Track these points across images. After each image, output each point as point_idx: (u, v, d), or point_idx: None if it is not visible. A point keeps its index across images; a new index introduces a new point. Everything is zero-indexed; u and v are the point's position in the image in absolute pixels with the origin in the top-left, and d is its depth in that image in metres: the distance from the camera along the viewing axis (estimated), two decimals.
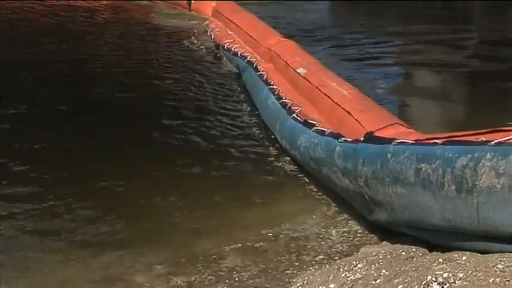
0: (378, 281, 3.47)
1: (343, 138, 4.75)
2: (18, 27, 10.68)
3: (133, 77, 8.14)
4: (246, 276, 4.00)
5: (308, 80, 6.16)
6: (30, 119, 6.64)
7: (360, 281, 3.53)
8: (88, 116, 6.75)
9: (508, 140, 3.37)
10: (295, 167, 5.50)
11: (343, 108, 5.25)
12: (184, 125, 6.56)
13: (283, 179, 5.40)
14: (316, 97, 5.81)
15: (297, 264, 4.12)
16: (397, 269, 3.53)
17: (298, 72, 6.45)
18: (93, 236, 4.52)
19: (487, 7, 11.57)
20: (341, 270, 3.72)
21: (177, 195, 5.07)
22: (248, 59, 7.72)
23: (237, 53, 8.14)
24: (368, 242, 4.31)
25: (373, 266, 3.66)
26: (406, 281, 3.31)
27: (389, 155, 4.00)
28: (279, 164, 5.63)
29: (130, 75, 8.24)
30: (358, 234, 4.44)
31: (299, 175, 5.39)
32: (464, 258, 3.35)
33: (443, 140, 3.76)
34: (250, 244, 4.36)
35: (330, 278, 3.68)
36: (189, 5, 11.31)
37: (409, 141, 4.07)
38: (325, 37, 10.17)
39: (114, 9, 12.00)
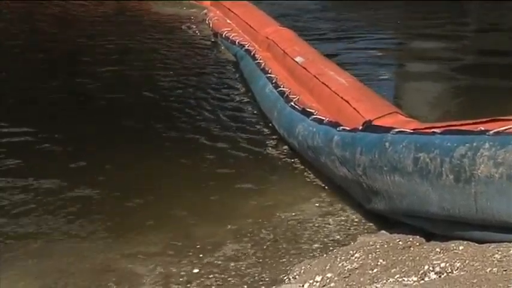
0: (375, 270, 3.47)
1: (341, 127, 4.74)
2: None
3: (130, 64, 8.13)
4: (244, 265, 4.00)
5: (306, 69, 6.14)
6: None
7: (357, 271, 3.53)
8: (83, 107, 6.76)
9: (506, 129, 3.37)
10: (293, 156, 5.49)
11: (341, 97, 5.23)
12: (180, 114, 6.55)
13: (281, 167, 5.39)
14: (314, 86, 5.80)
15: (294, 253, 4.11)
16: (394, 258, 3.53)
17: (296, 61, 6.43)
18: (91, 223, 4.51)
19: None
20: (338, 259, 3.71)
21: (174, 183, 5.07)
22: (246, 47, 7.70)
23: (235, 42, 8.12)
24: (365, 231, 4.31)
25: (370, 255, 3.66)
26: (403, 270, 3.31)
27: (387, 144, 3.99)
28: (277, 153, 5.63)
29: (127, 61, 8.23)
30: (355, 223, 4.44)
31: (297, 163, 5.38)
32: (461, 248, 3.35)
33: (442, 129, 3.75)
34: (247, 233, 4.36)
35: (327, 267, 3.68)
36: None
37: (408, 130, 4.06)
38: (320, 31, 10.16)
39: None
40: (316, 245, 4.19)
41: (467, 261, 3.16)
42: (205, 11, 10.34)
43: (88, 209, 4.70)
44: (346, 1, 12.02)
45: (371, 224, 4.37)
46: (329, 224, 4.44)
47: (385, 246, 3.76)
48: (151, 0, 11.59)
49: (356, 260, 3.66)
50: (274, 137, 5.92)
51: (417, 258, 3.41)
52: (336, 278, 3.56)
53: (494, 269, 3.02)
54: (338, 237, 4.28)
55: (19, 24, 10.33)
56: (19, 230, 4.43)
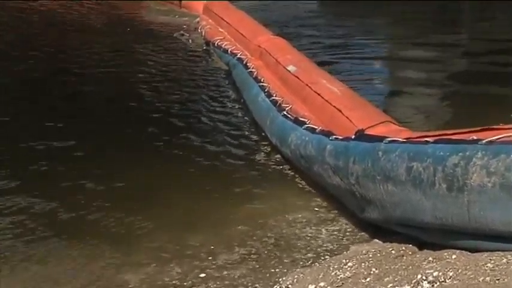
0: (368, 279, 3.47)
1: (334, 136, 4.74)
2: None
3: (123, 72, 8.13)
4: (237, 274, 3.99)
5: (298, 78, 6.15)
6: None
7: (350, 280, 3.53)
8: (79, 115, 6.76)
9: (499, 138, 3.38)
10: (286, 165, 5.49)
11: (334, 106, 5.23)
12: (172, 122, 6.54)
13: (274, 176, 5.38)
14: (307, 95, 5.80)
15: (286, 262, 4.11)
16: (387, 267, 3.53)
17: (288, 70, 6.44)
18: (81, 230, 4.50)
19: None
20: (331, 268, 3.71)
21: (166, 191, 5.06)
22: (238, 56, 7.70)
23: (227, 50, 8.13)
24: (358, 240, 4.31)
25: (363, 264, 3.66)
26: (396, 279, 3.31)
27: (380, 153, 4.00)
28: (270, 162, 5.62)
29: (121, 70, 8.24)
30: (348, 233, 4.43)
31: (289, 172, 5.38)
32: (454, 257, 3.36)
33: (435, 138, 3.76)
34: (240, 241, 4.35)
35: (320, 276, 3.68)
36: (180, 2, 11.28)
37: (400, 139, 4.06)
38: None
39: (104, 6, 11.98)
40: (309, 254, 4.18)
41: (460, 270, 3.16)
42: (197, 19, 10.35)
43: (80, 216, 4.68)
44: (338, 7, 12.01)
45: (364, 233, 4.36)
46: (322, 233, 4.44)
47: (378, 255, 3.76)
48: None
49: (349, 269, 3.66)
50: (266, 145, 5.92)
51: (410, 267, 3.41)
52: (328, 287, 3.56)
53: (487, 278, 3.02)
54: (331, 246, 4.28)
55: (17, 28, 10.35)
56: (12, 238, 4.42)
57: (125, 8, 11.85)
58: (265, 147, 5.90)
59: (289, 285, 3.76)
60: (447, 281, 3.12)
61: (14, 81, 7.81)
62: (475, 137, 3.49)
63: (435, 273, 3.19)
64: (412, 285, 3.20)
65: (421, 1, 11.64)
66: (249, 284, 3.90)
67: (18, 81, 7.83)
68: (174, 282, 3.94)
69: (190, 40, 9.71)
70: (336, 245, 4.29)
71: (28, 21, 10.91)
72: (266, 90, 6.36)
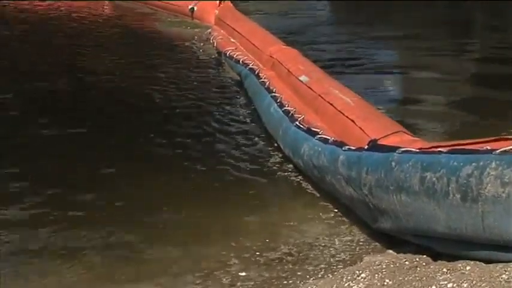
0: None
1: (346, 147, 4.73)
2: None
3: (135, 81, 8.17)
4: (250, 286, 3.98)
5: (311, 88, 6.14)
6: None
7: None
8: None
9: None
10: (299, 175, 5.48)
11: (347, 116, 5.22)
12: (184, 132, 6.55)
13: (286, 186, 5.38)
14: (319, 105, 5.79)
15: (299, 273, 4.09)
16: (400, 278, 3.51)
17: (300, 80, 6.43)
18: (93, 242, 4.49)
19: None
20: (344, 279, 3.70)
21: (178, 202, 5.05)
22: (250, 66, 7.71)
23: (239, 60, 8.14)
24: (371, 250, 4.29)
25: (376, 275, 3.64)
26: None
27: (393, 163, 3.99)
28: (282, 172, 5.61)
29: (131, 80, 8.26)
30: (361, 243, 4.41)
31: (302, 183, 5.36)
32: (468, 268, 3.33)
33: (448, 148, 3.75)
34: (252, 252, 4.33)
35: (333, 287, 3.66)
36: (192, 13, 11.33)
37: (414, 149, 4.05)
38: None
39: (117, 17, 12.07)
40: (322, 265, 4.16)
41: (474, 282, 3.14)
42: (209, 30, 10.39)
43: (89, 226, 4.67)
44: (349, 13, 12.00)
45: (377, 243, 4.34)
46: (335, 244, 4.42)
47: (392, 266, 3.74)
48: None
49: (362, 280, 3.64)
50: (279, 156, 5.91)
51: (424, 278, 3.39)
52: None
53: None
54: (344, 257, 4.26)
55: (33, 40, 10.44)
56: (16, 246, 4.42)
57: (137, 19, 11.92)
58: (277, 157, 5.89)
59: None
60: None
61: (25, 90, 7.87)
62: (488, 147, 3.48)
63: (449, 285, 3.17)
64: None
65: (432, 1, 11.59)
66: None
67: (27, 91, 7.88)
68: None
69: (201, 50, 9.75)
70: (349, 255, 4.28)
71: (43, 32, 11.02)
72: (278, 100, 6.36)
